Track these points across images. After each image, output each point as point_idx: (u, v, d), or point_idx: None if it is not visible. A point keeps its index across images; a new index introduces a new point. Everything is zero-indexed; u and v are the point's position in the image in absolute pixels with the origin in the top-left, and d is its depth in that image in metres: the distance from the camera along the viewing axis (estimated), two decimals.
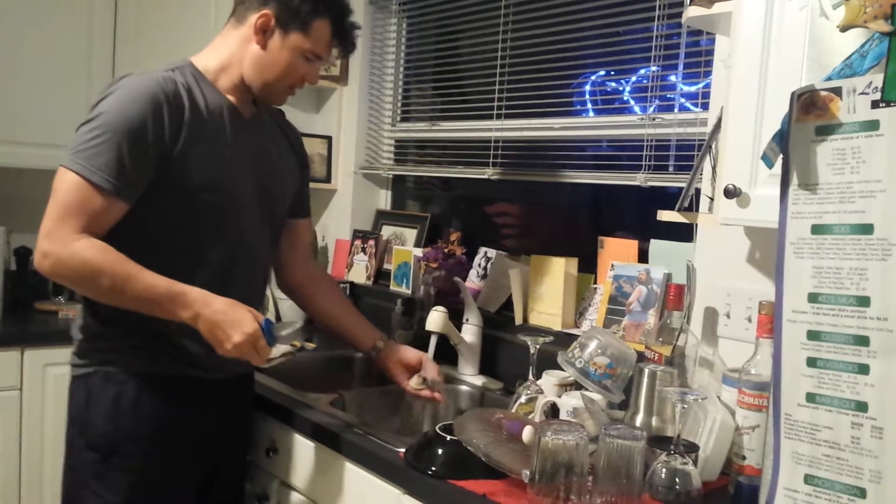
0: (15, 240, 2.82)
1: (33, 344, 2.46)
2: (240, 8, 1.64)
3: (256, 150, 1.70)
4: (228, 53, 1.63)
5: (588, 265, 2.18)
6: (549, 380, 1.73)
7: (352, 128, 3.01)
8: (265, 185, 1.72)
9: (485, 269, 2.50)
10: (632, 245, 2.07)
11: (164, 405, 1.62)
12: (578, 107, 2.30)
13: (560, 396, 1.65)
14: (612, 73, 2.21)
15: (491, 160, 2.48)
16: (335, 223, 3.05)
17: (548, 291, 2.14)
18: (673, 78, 2.03)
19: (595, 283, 2.17)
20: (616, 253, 2.10)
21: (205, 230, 1.60)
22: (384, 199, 3.05)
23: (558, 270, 2.12)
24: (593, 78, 2.27)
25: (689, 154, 1.93)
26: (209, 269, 1.60)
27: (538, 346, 1.72)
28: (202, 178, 1.56)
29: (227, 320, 1.45)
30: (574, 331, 2.07)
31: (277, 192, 1.77)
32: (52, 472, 1.76)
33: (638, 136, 2.05)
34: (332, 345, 2.52)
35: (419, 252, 2.67)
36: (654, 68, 2.05)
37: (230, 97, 1.64)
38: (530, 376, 1.74)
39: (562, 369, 1.72)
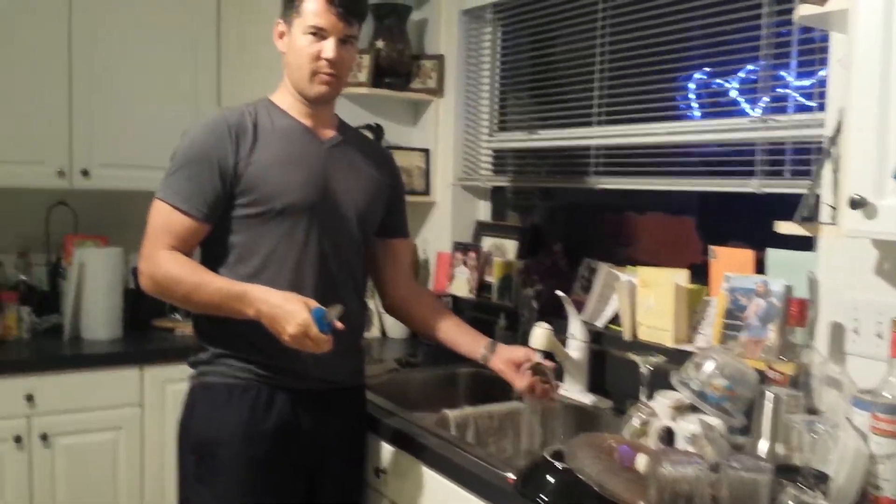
0: (133, 259, 2.94)
1: (152, 361, 2.57)
2: None
3: (333, 168, 1.78)
4: (283, 78, 1.80)
5: (699, 276, 2.09)
6: (663, 402, 1.66)
7: (449, 139, 3.00)
8: (343, 200, 1.79)
9: (588, 280, 2.43)
10: (747, 255, 1.97)
11: (251, 412, 1.70)
12: (682, 109, 2.21)
13: (675, 420, 1.58)
14: (718, 72, 2.10)
15: (592, 168, 2.42)
16: (435, 236, 3.05)
17: (658, 305, 2.06)
18: (785, 76, 1.92)
19: (707, 295, 2.07)
20: (729, 263, 2.00)
21: (276, 238, 1.71)
22: (483, 210, 3.02)
23: (668, 283, 2.03)
24: (697, 76, 2.16)
25: (806, 158, 1.81)
26: (282, 275, 1.70)
27: (649, 367, 1.65)
28: (269, 190, 1.69)
29: (282, 313, 1.54)
30: (687, 347, 1.99)
31: (360, 207, 1.82)
32: (175, 487, 1.82)
33: (749, 139, 1.95)
34: (435, 361, 2.52)
35: (520, 264, 2.63)
36: (763, 64, 1.94)
37: (304, 121, 1.78)
38: (642, 398, 1.68)
39: (676, 389, 1.65)
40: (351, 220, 1.81)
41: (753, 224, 2.05)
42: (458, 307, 2.79)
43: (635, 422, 1.63)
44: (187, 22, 2.82)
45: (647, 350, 1.94)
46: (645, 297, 2.10)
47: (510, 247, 2.81)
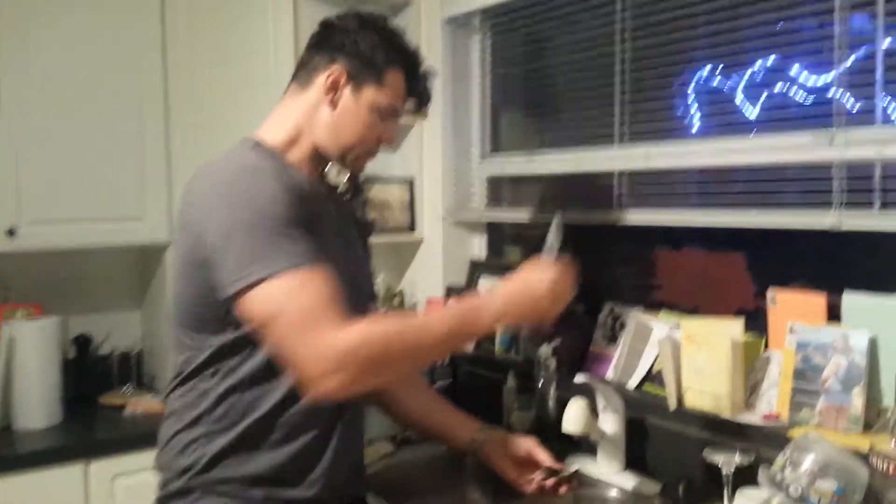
0: (74, 325, 2.54)
1: (99, 453, 2.15)
2: (302, 71, 1.44)
3: (340, 231, 1.47)
4: (295, 123, 1.41)
5: (751, 324, 1.73)
6: None
7: (436, 167, 2.62)
8: (354, 267, 1.48)
9: (612, 330, 2.07)
10: (817, 300, 1.61)
11: None
12: (736, 116, 1.80)
13: None
14: (780, 74, 1.71)
15: (615, 198, 2.03)
16: (424, 278, 2.66)
17: (709, 364, 1.69)
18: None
19: (766, 348, 1.71)
20: (795, 310, 1.64)
21: None
22: (478, 247, 2.64)
23: (722, 338, 1.67)
24: (749, 72, 1.77)
25: None
26: None
27: (733, 468, 1.28)
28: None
29: (531, 284, 1.35)
30: (750, 419, 1.62)
31: (365, 272, 1.56)
32: None
33: (823, 160, 1.58)
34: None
35: None
36: (836, 70, 1.58)
37: (305, 172, 1.42)
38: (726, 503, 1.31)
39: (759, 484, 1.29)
40: (365, 289, 1.55)
41: (824, 260, 1.69)
42: (455, 363, 2.41)
43: None
44: (130, 56, 2.39)
45: (698, 421, 1.61)
46: (692, 356, 1.73)
47: None
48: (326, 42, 1.42)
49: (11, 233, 2.24)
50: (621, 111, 2.02)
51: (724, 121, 1.82)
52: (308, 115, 1.40)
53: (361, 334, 1.20)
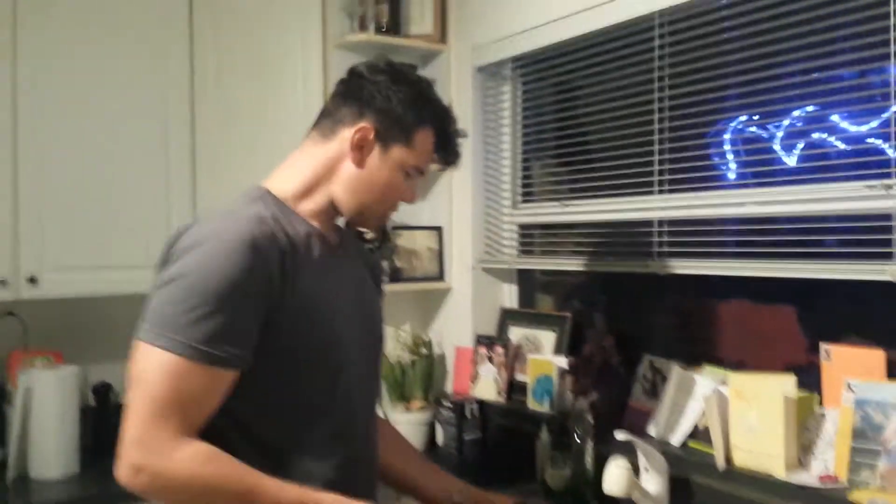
0: (93, 373, 2.48)
1: None
2: (326, 120, 1.36)
3: (353, 283, 1.41)
4: (313, 173, 1.34)
5: (804, 380, 1.65)
6: None
7: (466, 215, 2.57)
8: (367, 324, 1.42)
9: (653, 383, 1.98)
10: (876, 356, 1.53)
11: None
12: (778, 167, 1.75)
13: None
14: (825, 122, 1.67)
15: (656, 248, 1.98)
16: (453, 327, 2.60)
17: (761, 422, 1.61)
18: None
19: (820, 405, 1.63)
20: (851, 366, 1.56)
21: (313, 389, 1.28)
22: (509, 296, 2.58)
23: (775, 395, 1.59)
24: (792, 121, 1.73)
25: None
26: (320, 436, 1.29)
27: None
28: (307, 325, 1.26)
29: None
30: (805, 480, 1.53)
31: (378, 327, 1.48)
32: None
33: (878, 210, 1.52)
34: None
35: (563, 362, 2.18)
36: (890, 118, 1.53)
37: (315, 223, 1.34)
38: None
39: None
40: (378, 347, 1.48)
41: (880, 314, 1.62)
42: (486, 414, 2.33)
43: None
44: (157, 101, 2.36)
45: (750, 482, 1.52)
46: (742, 413, 1.65)
47: (545, 339, 2.36)
48: (356, 93, 1.33)
49: (33, 280, 2.20)
50: (661, 159, 1.97)
51: (768, 170, 1.77)
52: (329, 167, 1.33)
53: (194, 466, 1.13)
